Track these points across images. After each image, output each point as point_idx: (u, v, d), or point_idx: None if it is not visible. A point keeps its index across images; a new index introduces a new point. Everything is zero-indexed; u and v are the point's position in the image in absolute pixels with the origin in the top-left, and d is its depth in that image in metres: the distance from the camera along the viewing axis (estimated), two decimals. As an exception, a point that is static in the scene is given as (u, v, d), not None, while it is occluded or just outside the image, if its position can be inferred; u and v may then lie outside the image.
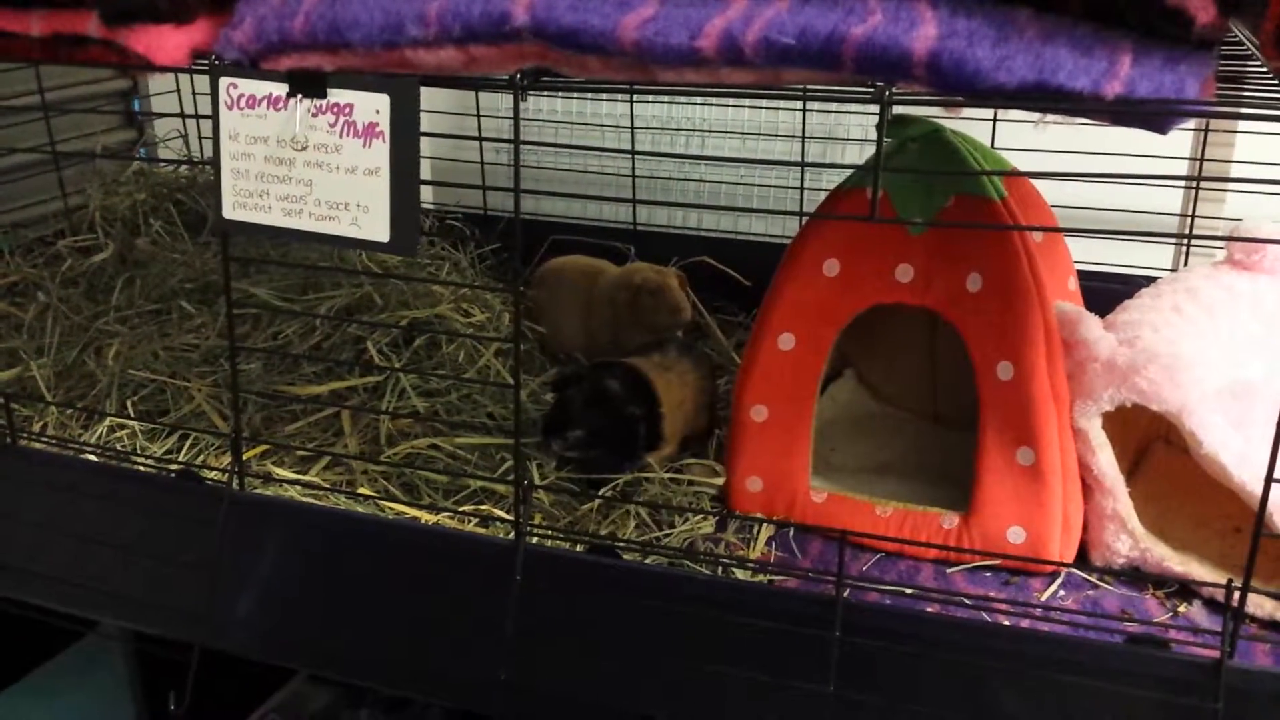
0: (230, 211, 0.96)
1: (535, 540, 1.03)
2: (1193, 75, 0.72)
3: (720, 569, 1.08)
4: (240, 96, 0.94)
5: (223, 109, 0.95)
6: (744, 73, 0.82)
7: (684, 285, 1.50)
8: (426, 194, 1.91)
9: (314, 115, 0.90)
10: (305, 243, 1.08)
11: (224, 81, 0.94)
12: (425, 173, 1.93)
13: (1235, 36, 1.01)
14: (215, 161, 0.96)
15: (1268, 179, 0.77)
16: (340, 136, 0.89)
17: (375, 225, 0.89)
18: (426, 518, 1.14)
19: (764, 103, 1.84)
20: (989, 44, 0.74)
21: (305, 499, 1.16)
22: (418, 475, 1.21)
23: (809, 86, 0.89)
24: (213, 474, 1.14)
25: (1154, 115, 0.74)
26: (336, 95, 0.89)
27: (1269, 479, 0.77)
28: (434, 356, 1.40)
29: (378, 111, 0.87)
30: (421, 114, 0.88)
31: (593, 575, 0.96)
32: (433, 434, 1.27)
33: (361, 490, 1.19)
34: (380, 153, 0.88)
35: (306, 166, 0.91)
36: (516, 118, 0.85)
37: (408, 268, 1.57)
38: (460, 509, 1.16)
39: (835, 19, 0.77)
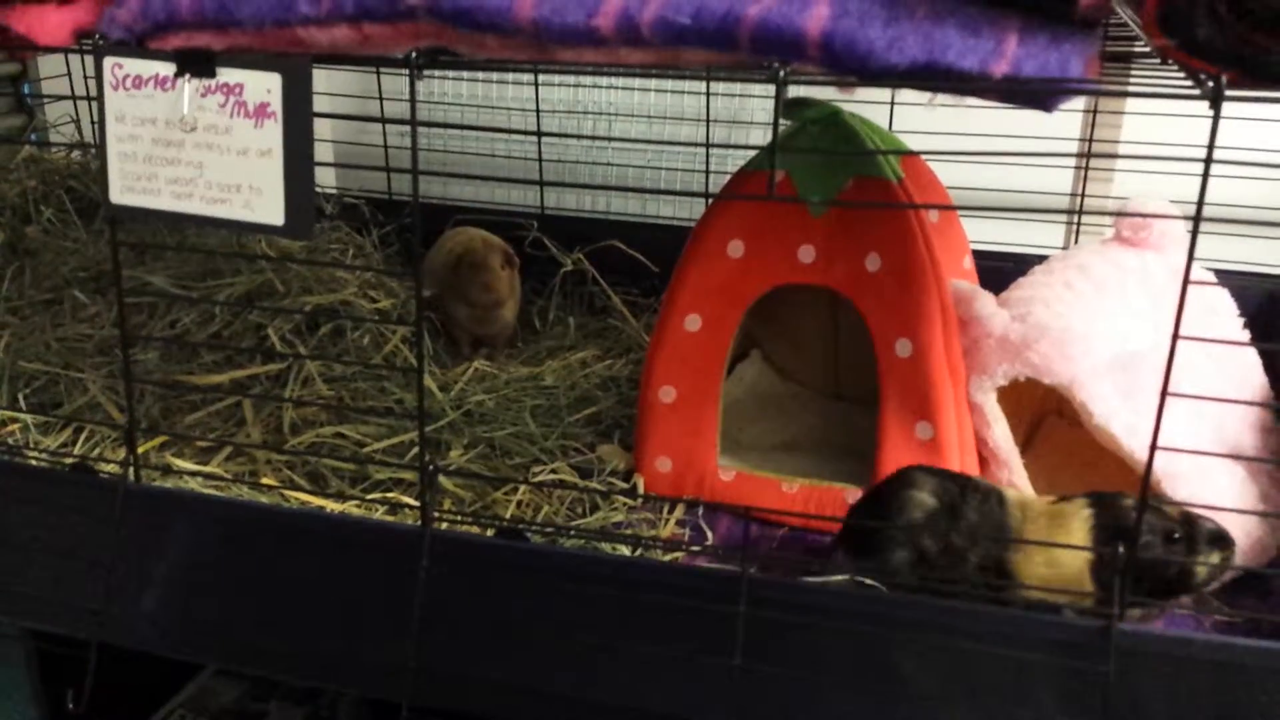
0: (118, 196, 0.94)
1: (444, 526, 1.03)
2: (1077, 54, 0.74)
3: (633, 550, 1.09)
4: (126, 77, 0.91)
5: (108, 90, 0.92)
6: (642, 52, 0.82)
7: (509, 263, 1.50)
8: (330, 177, 1.88)
9: (203, 95, 0.87)
10: (197, 227, 1.05)
11: (109, 61, 0.91)
12: (328, 156, 1.90)
13: (1121, 18, 1.04)
14: (100, 144, 0.93)
15: (1154, 156, 0.79)
16: (230, 117, 0.87)
17: (269, 208, 0.87)
18: (332, 506, 1.12)
19: (669, 86, 1.84)
20: (880, 24, 0.75)
21: (206, 490, 1.13)
22: (323, 464, 1.19)
23: (711, 68, 0.89)
24: (109, 467, 1.11)
25: (1040, 94, 0.76)
26: (226, 75, 0.86)
27: (1153, 447, 0.80)
28: (338, 343, 1.38)
29: (269, 91, 0.85)
30: (323, 96, 0.86)
31: (501, 559, 0.95)
32: (338, 421, 1.26)
33: (265, 480, 1.17)
34: (273, 133, 0.86)
35: (196, 148, 0.89)
36: (413, 97, 0.84)
37: (309, 253, 1.54)
38: (367, 497, 1.14)
39: (731, -1, 0.78)
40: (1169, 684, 0.82)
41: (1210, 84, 0.69)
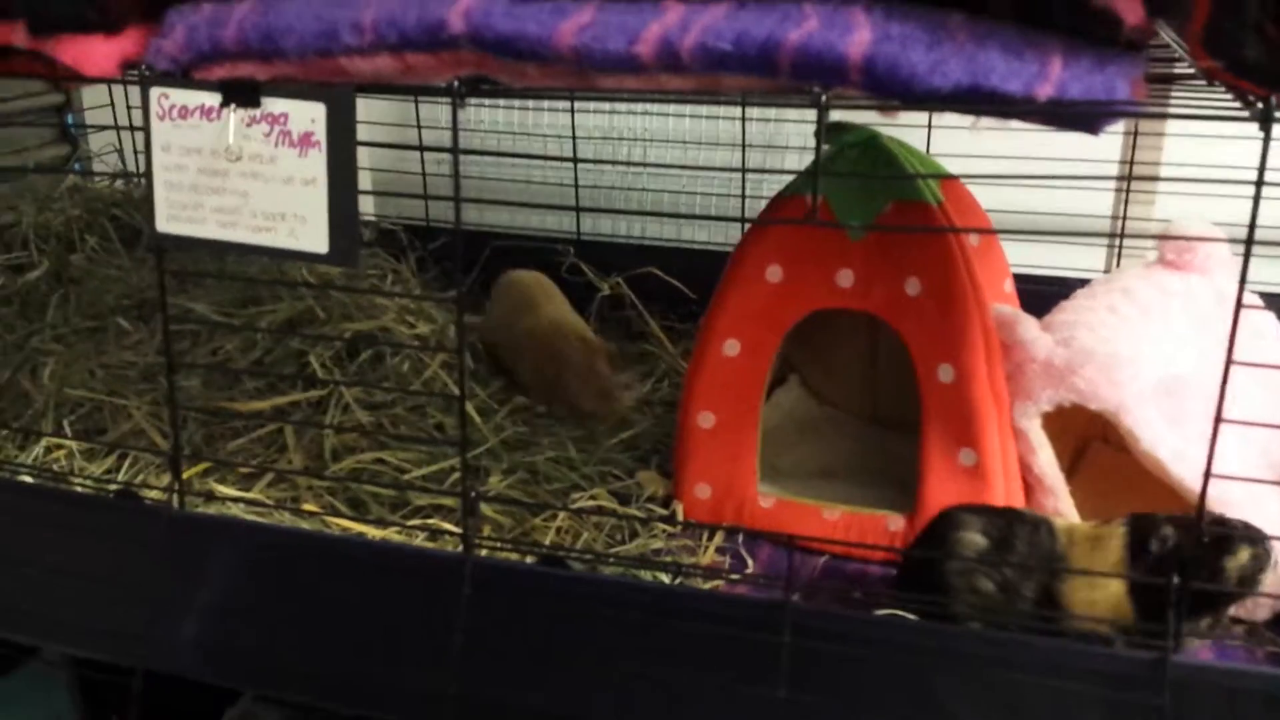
0: (164, 225, 0.95)
1: (485, 552, 1.03)
2: (1122, 76, 0.73)
3: (672, 577, 1.08)
4: (172, 107, 0.92)
5: (154, 120, 0.93)
6: (682, 79, 0.82)
7: (613, 361, 1.36)
8: (367, 205, 1.89)
9: (248, 125, 0.88)
10: (242, 255, 1.06)
11: (155, 92, 0.92)
12: (366, 184, 1.91)
13: (1164, 40, 1.03)
14: (147, 174, 0.94)
15: (1199, 179, 0.78)
16: (275, 146, 0.87)
17: (313, 236, 0.88)
18: (373, 533, 1.12)
19: (704, 111, 1.85)
20: (922, 48, 0.75)
21: (249, 516, 1.14)
22: (364, 490, 1.20)
23: (748, 93, 0.89)
24: (153, 493, 1.12)
25: (1086, 116, 0.75)
26: (271, 105, 0.87)
27: (1207, 474, 0.78)
28: (378, 369, 1.39)
29: (313, 121, 0.86)
30: (361, 124, 0.87)
31: (542, 586, 0.95)
32: (378, 448, 1.26)
33: (306, 506, 1.17)
34: (317, 162, 0.86)
35: (241, 177, 0.89)
36: (455, 125, 0.84)
37: (349, 280, 1.55)
38: (408, 523, 1.14)
39: (771, 25, 0.78)
40: (1224, 717, 0.80)
41: (1260, 105, 0.69)
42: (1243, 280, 0.74)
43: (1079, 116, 0.75)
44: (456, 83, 0.83)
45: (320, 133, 0.86)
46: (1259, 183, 0.71)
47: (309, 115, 0.86)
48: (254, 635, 1.04)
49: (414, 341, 1.44)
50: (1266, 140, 0.69)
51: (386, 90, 0.90)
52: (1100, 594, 0.93)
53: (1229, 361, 0.75)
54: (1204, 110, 0.78)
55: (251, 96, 0.88)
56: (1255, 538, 0.92)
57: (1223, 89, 0.75)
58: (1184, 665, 0.80)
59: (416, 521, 1.15)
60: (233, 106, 0.89)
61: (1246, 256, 0.73)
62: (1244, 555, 0.91)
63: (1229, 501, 1.03)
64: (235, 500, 1.15)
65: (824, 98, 0.76)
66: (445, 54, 0.85)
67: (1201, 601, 0.91)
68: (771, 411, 1.34)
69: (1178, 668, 0.80)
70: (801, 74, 0.77)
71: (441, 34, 0.83)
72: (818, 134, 0.78)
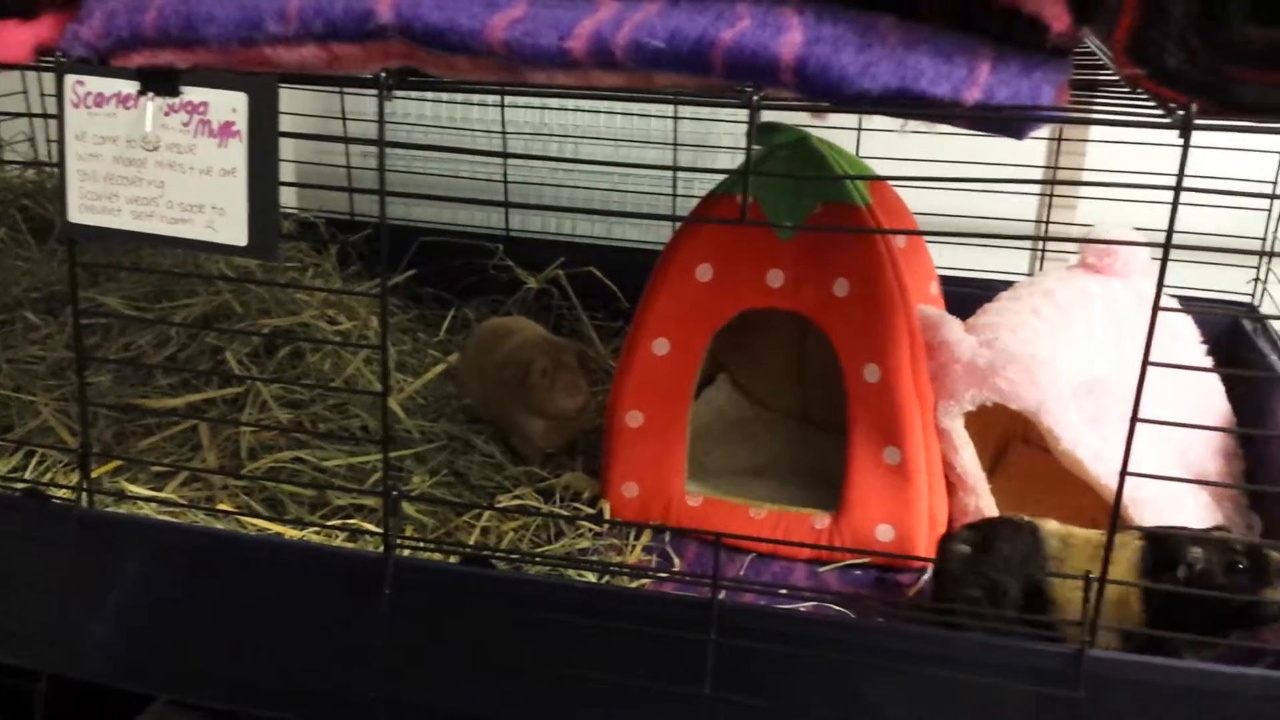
0: (76, 215, 0.91)
1: (407, 553, 1.01)
2: (1048, 82, 0.74)
3: (599, 576, 1.07)
4: (87, 95, 0.89)
5: (68, 107, 0.90)
6: (615, 75, 0.81)
7: (584, 362, 1.30)
8: (290, 198, 1.85)
9: (166, 114, 0.86)
10: (158, 247, 1.03)
11: (70, 79, 0.89)
12: (289, 175, 1.87)
13: (1090, 47, 1.05)
14: (60, 163, 0.91)
15: (1121, 184, 0.80)
16: (194, 136, 0.85)
17: (232, 228, 0.86)
18: (291, 533, 1.10)
19: (636, 109, 1.84)
20: (853, 50, 0.75)
21: (161, 516, 1.11)
22: (282, 489, 1.17)
23: (681, 91, 0.89)
24: (61, 492, 1.08)
25: (1011, 121, 0.76)
26: (190, 93, 0.85)
27: (1123, 474, 0.80)
28: (298, 366, 1.36)
29: (234, 110, 0.83)
30: (285, 115, 0.85)
31: (465, 586, 0.94)
32: (297, 446, 1.23)
33: (221, 506, 1.14)
34: (237, 153, 0.84)
35: (158, 167, 0.87)
36: (381, 117, 0.83)
37: (269, 274, 1.52)
38: (327, 524, 1.12)
39: (705, 23, 0.77)
40: (1142, 710, 0.82)
41: (1180, 113, 0.70)
42: (1160, 283, 0.75)
43: (1005, 121, 0.76)
44: (383, 74, 0.82)
45: (241, 123, 0.84)
46: (1177, 188, 0.73)
47: (230, 104, 0.84)
48: (167, 639, 1.01)
49: (336, 337, 1.41)
50: (1186, 147, 0.71)
51: (311, 81, 0.88)
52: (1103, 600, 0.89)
53: (1145, 362, 0.76)
54: (1127, 117, 0.80)
55: (170, 85, 0.86)
56: None
57: (1145, 96, 0.76)
58: (1101, 659, 0.81)
59: (337, 522, 1.13)
60: (150, 95, 0.87)
61: (1164, 260, 0.74)
62: None
63: (1145, 500, 1.06)
64: (147, 500, 1.12)
65: (755, 97, 0.76)
66: (373, 45, 0.83)
67: (1224, 624, 0.89)
68: (701, 410, 1.34)
69: (1095, 662, 0.81)
70: (734, 73, 0.77)
71: (369, 24, 0.81)
72: (749, 134, 0.78)
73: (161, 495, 1.14)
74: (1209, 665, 0.85)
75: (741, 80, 0.77)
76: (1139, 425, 0.78)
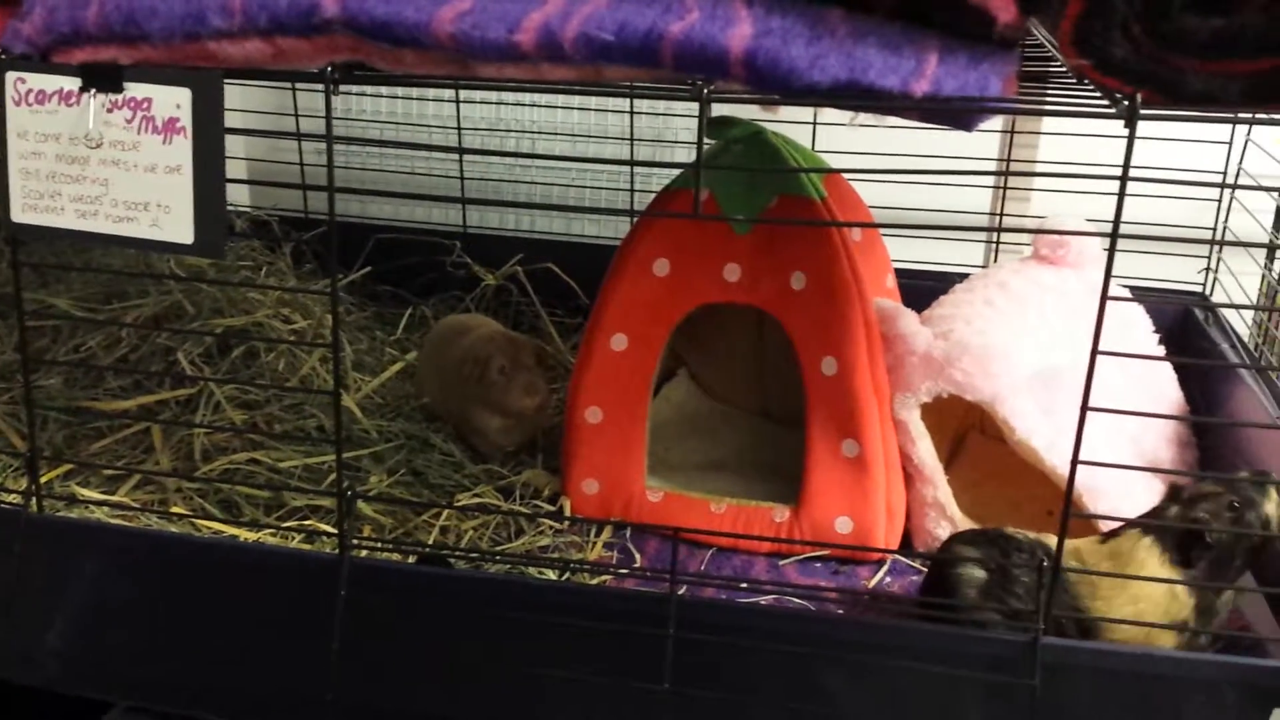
0: (19, 214, 0.90)
1: (363, 553, 1.00)
2: (995, 74, 0.74)
3: (559, 574, 1.07)
4: (29, 92, 0.87)
5: (9, 105, 0.88)
6: (564, 69, 0.81)
7: (542, 359, 1.30)
8: (243, 195, 1.83)
9: (109, 111, 0.84)
10: (103, 246, 1.01)
11: (10, 76, 0.87)
12: (241, 173, 1.85)
13: (1038, 39, 1.06)
14: (1, 162, 0.89)
15: (1071, 175, 0.80)
16: (138, 133, 0.83)
17: (178, 226, 0.84)
18: (246, 535, 1.09)
19: (593, 104, 1.83)
20: (803, 43, 0.75)
21: (113, 520, 1.09)
22: (237, 491, 1.16)
23: (635, 86, 0.88)
24: (10, 497, 1.06)
25: (960, 113, 0.76)
26: (134, 89, 0.83)
27: (1074, 462, 0.80)
28: (252, 366, 1.35)
29: (178, 106, 0.82)
30: (237, 112, 0.84)
31: (423, 586, 0.93)
32: (252, 447, 1.22)
33: (175, 509, 1.13)
34: (182, 150, 0.83)
35: (102, 165, 0.85)
36: (329, 113, 0.82)
37: (221, 272, 1.50)
38: (283, 525, 1.11)
39: (654, 16, 0.77)
40: (1095, 696, 0.82)
41: (1125, 103, 0.70)
42: (1109, 272, 0.76)
43: (953, 113, 0.76)
44: (330, 69, 0.80)
45: (186, 119, 0.82)
46: (1124, 178, 0.73)
47: (174, 100, 0.83)
48: (120, 644, 1.00)
49: (290, 336, 1.39)
50: (1131, 136, 0.71)
51: (256, 76, 0.87)
52: (1142, 605, 0.91)
53: (1094, 351, 0.77)
54: (1075, 108, 0.80)
55: (113, 81, 0.84)
56: (1268, 477, 0.95)
57: (1092, 87, 0.76)
58: (1055, 646, 0.82)
59: (292, 523, 1.12)
60: (93, 91, 0.85)
61: (1112, 250, 0.75)
62: (1275, 498, 0.94)
63: (1098, 489, 1.07)
64: (98, 504, 1.10)
65: (706, 91, 0.76)
66: (319, 39, 0.82)
67: (1259, 556, 0.94)
68: (660, 406, 1.34)
69: (1049, 649, 0.82)
70: (683, 66, 0.77)
71: (314, 18, 0.80)
72: (700, 127, 0.78)
73: (114, 499, 1.12)
74: (1160, 651, 0.86)
75: (691, 73, 0.77)
76: (1092, 415, 0.78)
